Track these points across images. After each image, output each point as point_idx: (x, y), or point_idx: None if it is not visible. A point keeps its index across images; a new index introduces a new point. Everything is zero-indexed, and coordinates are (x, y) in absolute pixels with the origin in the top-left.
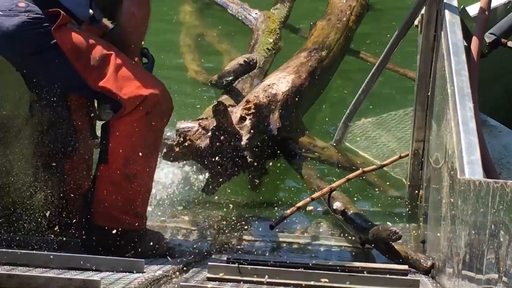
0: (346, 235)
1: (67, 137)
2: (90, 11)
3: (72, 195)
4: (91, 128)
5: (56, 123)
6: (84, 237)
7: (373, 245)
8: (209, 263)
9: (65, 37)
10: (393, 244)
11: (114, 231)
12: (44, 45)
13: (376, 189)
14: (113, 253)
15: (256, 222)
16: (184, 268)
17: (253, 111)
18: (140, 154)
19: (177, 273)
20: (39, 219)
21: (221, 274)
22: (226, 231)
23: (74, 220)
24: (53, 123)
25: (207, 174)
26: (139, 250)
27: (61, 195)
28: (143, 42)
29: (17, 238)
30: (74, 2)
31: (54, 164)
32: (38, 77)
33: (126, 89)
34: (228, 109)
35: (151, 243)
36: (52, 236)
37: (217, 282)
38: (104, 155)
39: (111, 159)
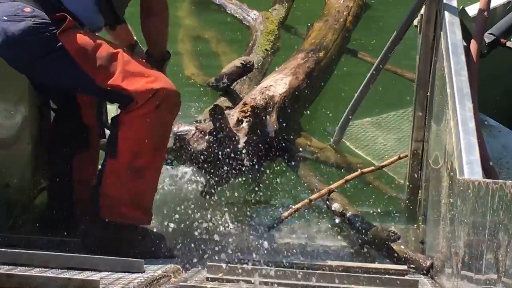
0: (345, 235)
1: (77, 133)
2: (97, 17)
3: (80, 192)
4: (104, 123)
5: (65, 120)
6: (86, 233)
7: (372, 245)
8: (208, 263)
9: (71, 38)
10: (392, 244)
11: (118, 227)
12: (50, 49)
13: (375, 190)
14: (114, 250)
15: (255, 223)
16: (184, 268)
17: (250, 113)
18: (148, 148)
19: (177, 273)
20: (45, 217)
21: (220, 274)
22: (225, 232)
23: (81, 218)
24: (62, 120)
25: (205, 177)
26: (140, 249)
27: (69, 192)
28: None
29: (17, 238)
30: (81, 7)
31: (63, 161)
32: (44, 80)
33: (136, 84)
34: (225, 111)
35: (152, 243)
36: (54, 235)
37: (216, 282)
38: (113, 149)
39: (119, 153)
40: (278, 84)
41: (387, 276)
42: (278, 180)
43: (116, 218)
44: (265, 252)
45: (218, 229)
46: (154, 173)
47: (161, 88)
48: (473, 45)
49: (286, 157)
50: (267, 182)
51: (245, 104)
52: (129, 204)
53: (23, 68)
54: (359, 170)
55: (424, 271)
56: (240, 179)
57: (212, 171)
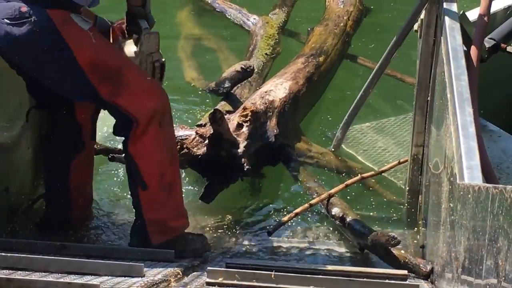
0: (345, 240)
1: (72, 135)
2: None
3: (75, 193)
4: (93, 130)
5: (60, 121)
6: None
7: (372, 250)
8: (208, 268)
9: (84, 50)
10: (392, 249)
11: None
12: (55, 48)
13: (375, 195)
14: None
15: (255, 228)
16: (183, 273)
17: (250, 118)
18: (167, 164)
19: (177, 277)
20: (42, 219)
21: (220, 279)
22: (225, 237)
23: (75, 218)
24: (57, 121)
25: (205, 182)
26: (189, 255)
27: (65, 193)
28: None
29: (17, 242)
30: None
31: (59, 163)
32: (48, 82)
33: (137, 105)
34: (225, 116)
35: (195, 244)
36: (54, 239)
37: (216, 286)
38: (140, 180)
39: (147, 182)
40: (278, 88)
41: (387, 280)
42: (278, 184)
43: (167, 237)
44: (265, 256)
45: (217, 234)
46: (179, 180)
47: (158, 105)
48: (473, 50)
49: (286, 161)
50: (267, 186)
51: (245, 108)
52: (174, 218)
53: (28, 70)
54: (359, 174)
55: (424, 276)
56: (239, 183)
57: (211, 175)
